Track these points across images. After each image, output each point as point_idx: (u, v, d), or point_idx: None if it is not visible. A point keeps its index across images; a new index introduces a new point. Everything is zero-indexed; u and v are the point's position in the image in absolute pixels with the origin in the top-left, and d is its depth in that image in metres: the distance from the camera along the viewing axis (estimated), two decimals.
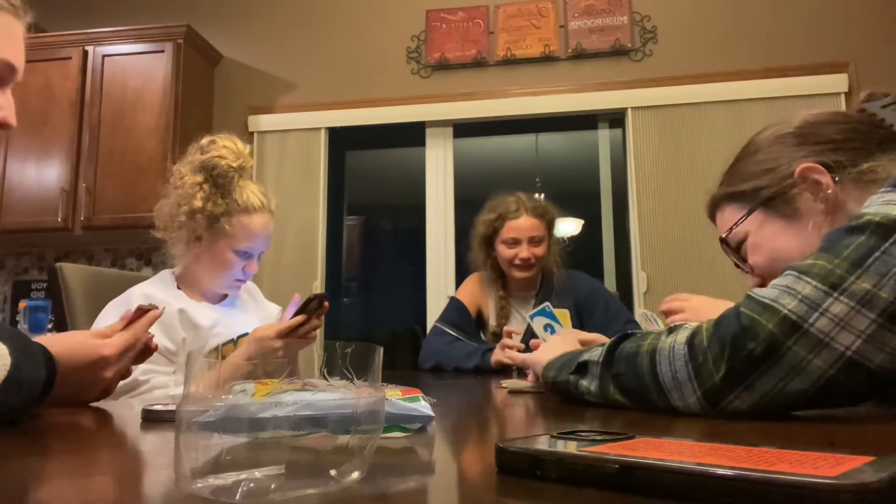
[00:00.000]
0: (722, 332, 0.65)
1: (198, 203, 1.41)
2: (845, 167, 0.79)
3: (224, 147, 1.44)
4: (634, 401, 0.72)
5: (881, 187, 0.69)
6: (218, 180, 1.42)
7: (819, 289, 0.61)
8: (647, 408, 0.71)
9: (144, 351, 0.92)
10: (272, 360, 1.23)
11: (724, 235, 0.90)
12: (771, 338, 0.61)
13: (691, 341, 0.67)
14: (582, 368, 0.79)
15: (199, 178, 1.42)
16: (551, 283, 2.08)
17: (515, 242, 2.01)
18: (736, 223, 0.88)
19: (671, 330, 0.71)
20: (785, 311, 0.61)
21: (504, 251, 2.02)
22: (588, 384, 0.77)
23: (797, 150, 0.83)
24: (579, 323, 1.96)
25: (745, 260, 0.89)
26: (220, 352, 1.37)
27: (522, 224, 2.01)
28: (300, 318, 1.27)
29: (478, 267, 2.14)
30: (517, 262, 2.00)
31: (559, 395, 0.86)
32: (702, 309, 1.17)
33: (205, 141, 1.46)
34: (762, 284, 0.84)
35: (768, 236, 0.85)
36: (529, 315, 1.49)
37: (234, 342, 1.41)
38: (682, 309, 1.22)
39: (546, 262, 2.10)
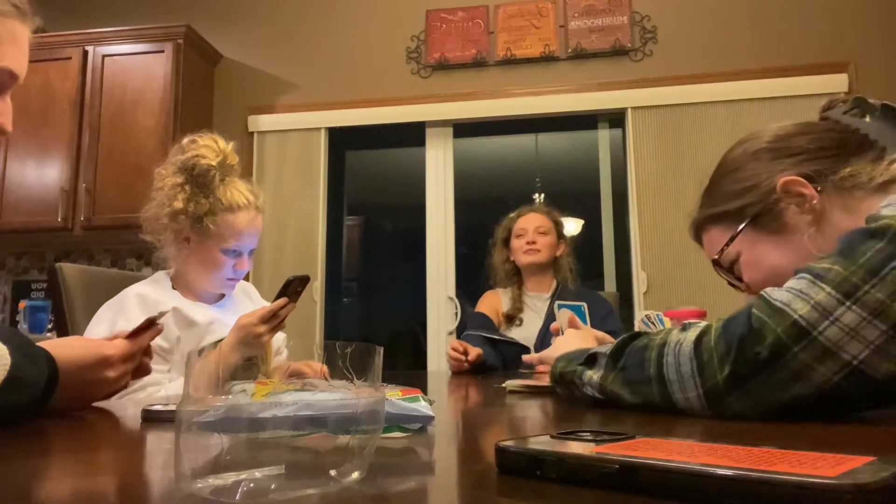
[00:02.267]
0: (730, 332, 0.64)
1: (178, 204, 1.40)
2: (825, 176, 0.79)
3: (204, 146, 1.44)
4: (633, 392, 0.72)
5: (864, 191, 0.70)
6: (198, 180, 1.42)
7: (833, 296, 0.60)
8: (643, 401, 0.71)
9: (140, 366, 0.91)
10: (257, 345, 1.24)
11: (715, 257, 0.89)
12: (778, 342, 0.61)
13: (699, 339, 0.67)
14: (591, 360, 0.80)
15: (180, 179, 1.42)
16: (566, 291, 2.27)
17: (524, 233, 2.31)
18: (726, 244, 0.87)
19: (684, 327, 0.71)
20: (795, 317, 0.61)
21: (516, 243, 2.32)
22: (592, 374, 0.77)
23: (775, 164, 0.83)
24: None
25: (739, 279, 0.88)
26: (219, 349, 1.37)
27: (529, 218, 2.34)
28: (281, 301, 1.27)
29: (497, 269, 2.39)
30: (525, 247, 2.28)
31: (562, 388, 0.86)
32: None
33: (185, 141, 1.46)
34: None
35: (761, 254, 0.84)
36: (558, 304, 1.52)
37: None
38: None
39: (559, 270, 2.33)
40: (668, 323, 1.41)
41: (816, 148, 0.81)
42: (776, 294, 0.64)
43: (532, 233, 2.29)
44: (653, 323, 1.35)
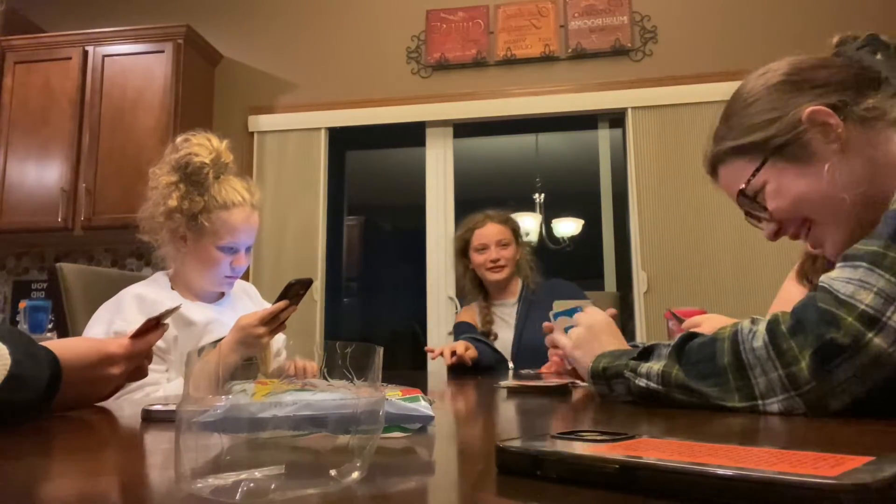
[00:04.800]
0: (804, 322, 0.66)
1: (173, 203, 1.41)
2: (849, 106, 0.81)
3: (198, 144, 1.44)
4: (704, 383, 0.72)
5: (884, 122, 0.76)
6: (192, 178, 1.42)
7: (892, 282, 0.63)
8: (718, 393, 0.70)
9: (138, 369, 0.91)
10: (257, 346, 1.23)
11: (742, 187, 0.89)
12: (854, 328, 0.63)
13: (771, 330, 0.68)
14: (646, 353, 0.80)
15: (174, 178, 1.43)
16: (531, 292, 2.25)
17: (484, 248, 2.22)
18: (753, 174, 0.88)
19: (754, 321, 0.72)
20: (862, 307, 0.64)
21: (476, 258, 2.24)
22: (651, 365, 0.77)
23: (798, 95, 0.85)
24: None
25: (764, 208, 0.89)
26: (218, 349, 1.37)
27: (488, 231, 2.24)
28: (282, 303, 1.27)
29: (461, 282, 2.36)
30: (489, 264, 2.21)
31: (599, 385, 0.85)
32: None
33: (179, 140, 1.47)
34: (779, 230, 0.89)
35: (787, 182, 0.86)
36: (554, 315, 1.50)
37: None
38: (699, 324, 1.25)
39: (520, 269, 2.29)
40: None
41: (839, 81, 0.84)
42: (839, 286, 0.66)
43: (494, 248, 2.20)
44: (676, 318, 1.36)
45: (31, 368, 0.67)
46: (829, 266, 1.24)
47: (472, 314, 2.32)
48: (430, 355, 1.97)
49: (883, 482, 0.28)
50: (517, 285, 2.30)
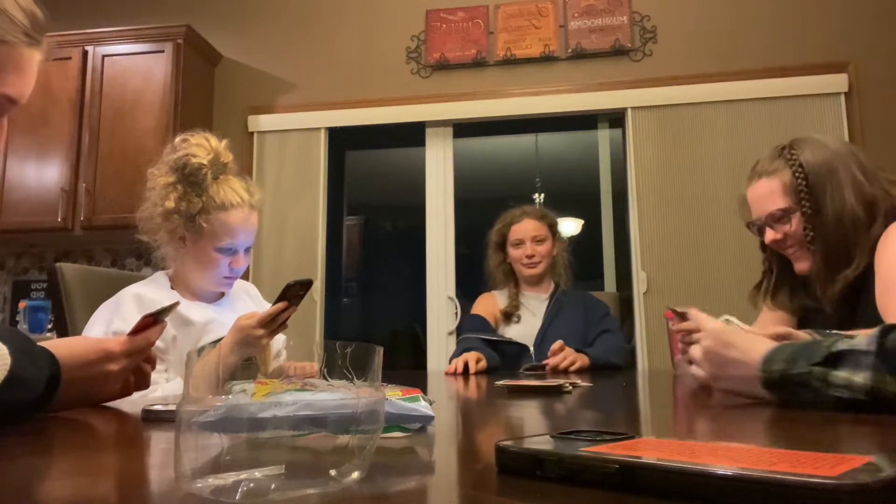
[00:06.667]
0: None
1: (170, 204, 1.40)
2: None
3: (196, 145, 1.44)
4: None
5: None
6: (190, 178, 1.41)
7: None
8: None
9: (142, 376, 0.91)
10: (256, 347, 1.23)
11: None
12: None
13: None
14: (835, 359, 0.72)
15: (172, 179, 1.42)
16: (562, 293, 2.28)
17: (521, 243, 2.27)
18: None
19: None
20: None
21: (513, 252, 2.29)
22: (849, 375, 0.70)
23: None
24: (584, 327, 2.15)
25: None
26: (218, 349, 1.36)
27: (525, 226, 2.29)
28: (281, 304, 1.26)
29: (493, 272, 2.37)
30: (524, 260, 2.26)
31: (779, 392, 0.78)
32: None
33: (177, 140, 1.46)
34: None
35: None
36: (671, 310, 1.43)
37: None
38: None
39: (555, 269, 2.32)
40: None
41: None
42: None
43: (530, 243, 2.24)
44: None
45: (30, 369, 0.67)
46: (792, 290, 1.24)
47: (491, 303, 2.30)
48: (446, 375, 1.95)
49: (883, 482, 0.28)
50: (550, 284, 2.32)
